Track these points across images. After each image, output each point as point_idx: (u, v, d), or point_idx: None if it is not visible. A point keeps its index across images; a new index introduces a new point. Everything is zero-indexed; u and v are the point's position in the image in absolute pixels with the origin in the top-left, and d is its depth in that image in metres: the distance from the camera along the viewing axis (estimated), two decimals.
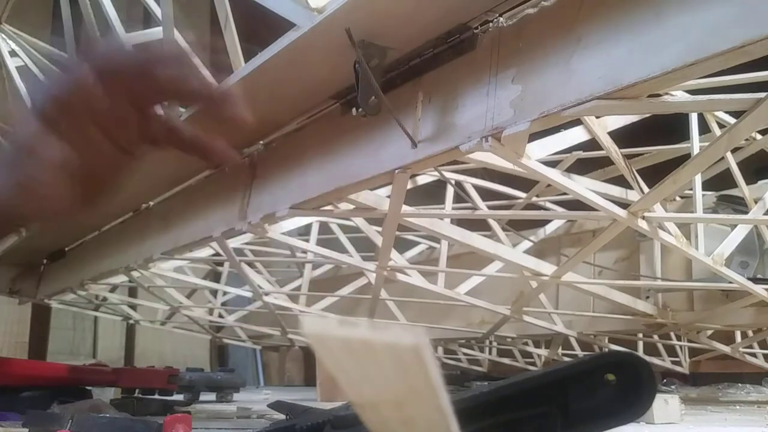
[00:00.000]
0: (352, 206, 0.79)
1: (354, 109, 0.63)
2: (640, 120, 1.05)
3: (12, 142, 0.40)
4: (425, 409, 0.24)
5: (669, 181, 0.70)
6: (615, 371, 0.38)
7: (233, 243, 1.34)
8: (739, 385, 1.78)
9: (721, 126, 1.08)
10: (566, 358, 1.61)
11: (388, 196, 0.78)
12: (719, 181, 1.21)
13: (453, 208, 1.23)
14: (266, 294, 1.37)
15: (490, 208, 1.42)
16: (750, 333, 1.44)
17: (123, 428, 0.67)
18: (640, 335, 1.50)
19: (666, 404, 0.86)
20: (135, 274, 1.27)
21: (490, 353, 1.98)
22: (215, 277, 2.08)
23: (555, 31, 0.51)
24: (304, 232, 1.54)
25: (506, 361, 1.93)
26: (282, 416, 0.71)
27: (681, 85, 0.72)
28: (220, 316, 1.87)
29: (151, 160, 0.46)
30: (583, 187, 0.71)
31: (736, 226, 1.01)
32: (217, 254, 1.43)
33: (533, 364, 1.87)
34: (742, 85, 0.91)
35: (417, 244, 1.83)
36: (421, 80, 0.63)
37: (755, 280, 1.04)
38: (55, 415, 0.69)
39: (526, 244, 1.34)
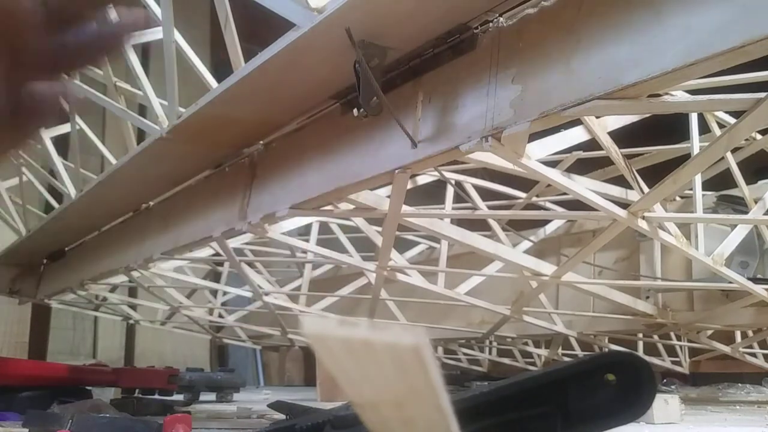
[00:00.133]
0: (352, 206, 0.79)
1: (355, 110, 0.63)
2: (640, 120, 1.05)
3: None
4: (425, 409, 0.24)
5: (669, 181, 0.70)
6: (615, 371, 0.38)
7: (233, 243, 1.34)
8: (739, 385, 1.78)
9: (721, 126, 1.08)
10: (566, 358, 1.61)
11: (388, 196, 0.78)
12: (719, 181, 1.21)
13: (453, 208, 1.23)
14: (266, 294, 1.37)
15: (490, 208, 1.42)
16: (750, 333, 1.44)
17: (123, 428, 0.67)
18: (640, 335, 1.50)
19: (666, 404, 0.86)
20: (135, 274, 1.27)
21: (490, 353, 1.98)
22: (215, 277, 2.08)
23: (555, 31, 0.51)
24: (304, 232, 1.54)
25: (506, 361, 1.93)
26: (282, 416, 0.71)
27: (681, 85, 0.72)
28: (220, 316, 1.87)
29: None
30: (583, 187, 0.71)
31: (736, 226, 1.01)
32: (217, 254, 1.43)
33: (533, 364, 1.87)
34: (742, 85, 0.91)
35: (417, 244, 1.83)
36: (421, 80, 0.63)
37: (755, 280, 1.04)
38: (55, 415, 0.69)
39: (526, 244, 1.34)
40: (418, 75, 0.63)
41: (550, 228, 1.48)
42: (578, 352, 1.81)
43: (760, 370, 1.66)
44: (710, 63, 0.41)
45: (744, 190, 1.06)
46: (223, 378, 1.40)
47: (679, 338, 1.65)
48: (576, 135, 0.98)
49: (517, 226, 1.45)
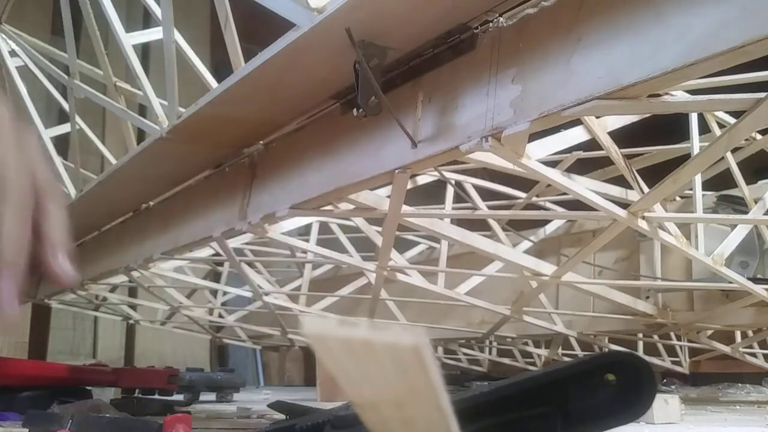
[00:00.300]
0: (352, 206, 0.79)
1: (354, 110, 0.63)
2: (640, 120, 1.05)
3: None
4: (425, 409, 0.24)
5: (669, 181, 0.70)
6: (615, 371, 0.38)
7: (233, 243, 1.35)
8: (739, 385, 1.78)
9: (721, 126, 1.08)
10: (566, 358, 1.61)
11: (388, 196, 0.78)
12: (719, 181, 1.21)
13: (453, 208, 1.23)
14: (266, 294, 1.37)
15: (490, 208, 1.42)
16: (750, 333, 1.44)
17: (123, 428, 0.67)
18: (640, 335, 1.50)
19: (666, 404, 0.86)
20: (135, 274, 1.27)
21: (490, 353, 1.98)
22: (215, 277, 2.08)
23: (555, 31, 0.51)
24: (304, 232, 1.54)
25: (506, 361, 1.93)
26: (282, 416, 0.71)
27: (681, 85, 0.72)
28: (220, 316, 1.87)
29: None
30: (583, 187, 0.71)
31: (736, 226, 1.01)
32: (217, 254, 1.44)
33: (533, 364, 1.87)
34: (742, 85, 0.91)
35: (417, 244, 1.83)
36: (421, 80, 0.63)
37: (755, 280, 1.04)
38: (55, 415, 0.69)
39: (526, 244, 1.34)
40: (418, 75, 0.63)
41: (550, 228, 1.48)
42: (578, 352, 1.81)
43: (760, 370, 1.66)
44: (710, 63, 0.41)
45: (744, 190, 1.06)
46: (223, 378, 1.40)
47: (679, 338, 1.65)
48: (576, 135, 0.98)
49: (517, 226, 1.45)
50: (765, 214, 1.01)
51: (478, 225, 1.33)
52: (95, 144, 1.21)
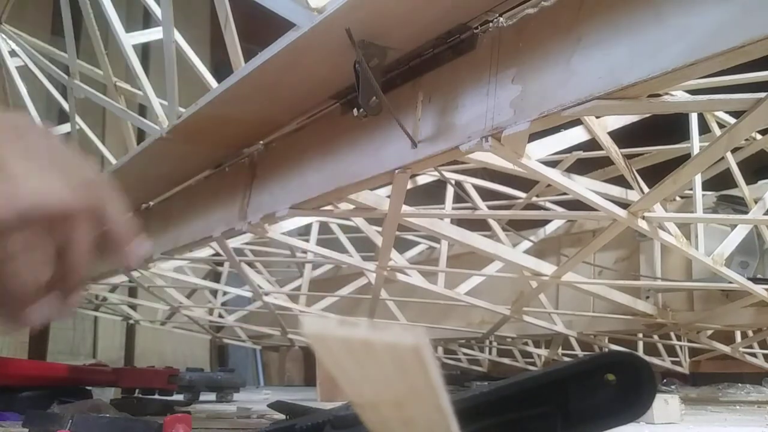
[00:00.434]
0: (352, 206, 0.79)
1: (355, 110, 0.63)
2: (640, 120, 1.05)
3: None
4: (425, 409, 0.24)
5: (669, 181, 0.70)
6: (615, 371, 0.38)
7: (233, 243, 1.35)
8: (739, 385, 1.77)
9: (721, 126, 1.08)
10: (566, 358, 1.61)
11: (388, 196, 0.78)
12: (719, 181, 1.21)
13: (453, 208, 1.23)
14: (266, 294, 1.37)
15: (490, 208, 1.42)
16: (750, 333, 1.44)
17: (123, 428, 0.67)
18: (640, 335, 1.50)
19: (666, 404, 0.86)
20: (135, 274, 1.27)
21: (490, 353, 1.98)
22: (215, 277, 2.08)
23: (555, 31, 0.51)
24: (304, 232, 1.54)
25: (506, 361, 1.93)
26: (282, 416, 0.71)
27: (681, 85, 0.72)
28: (220, 316, 1.87)
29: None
30: (583, 187, 0.71)
31: (736, 226, 1.01)
32: (217, 254, 1.44)
33: (533, 364, 1.87)
34: (742, 85, 0.91)
35: (417, 244, 1.83)
36: (421, 80, 0.63)
37: (755, 280, 1.04)
38: (55, 415, 0.69)
39: (526, 244, 1.34)
40: (418, 75, 0.63)
41: (550, 228, 1.48)
42: (578, 352, 1.81)
43: (760, 370, 1.66)
44: (710, 63, 0.41)
45: (744, 190, 1.06)
46: (223, 378, 1.40)
47: (679, 338, 1.65)
48: (576, 135, 0.98)
49: (517, 226, 1.45)
50: (765, 214, 1.01)
51: (478, 225, 1.33)
52: (95, 144, 1.21)
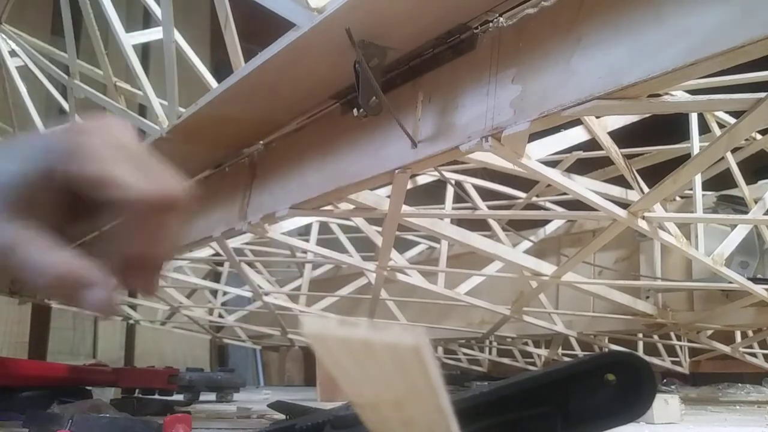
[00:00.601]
0: (352, 206, 0.79)
1: (354, 110, 0.63)
2: (640, 120, 1.05)
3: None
4: (425, 409, 0.24)
5: (669, 181, 0.70)
6: (615, 371, 0.38)
7: (233, 243, 1.35)
8: (739, 385, 1.77)
9: (721, 126, 1.08)
10: (566, 358, 1.61)
11: (388, 196, 0.78)
12: (719, 181, 1.21)
13: (453, 208, 1.23)
14: (266, 294, 1.37)
15: (490, 208, 1.42)
16: (750, 333, 1.44)
17: (123, 428, 0.67)
18: (640, 335, 1.50)
19: (666, 404, 0.86)
20: None
21: (490, 353, 1.98)
22: (215, 277, 2.08)
23: (555, 31, 0.51)
24: (304, 232, 1.54)
25: (506, 361, 1.93)
26: (282, 416, 0.71)
27: (681, 85, 0.72)
28: (220, 316, 1.87)
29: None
30: (583, 187, 0.71)
31: (736, 226, 1.01)
32: (217, 254, 1.44)
33: (533, 364, 1.87)
34: (742, 85, 0.91)
35: (417, 244, 1.83)
36: (421, 80, 0.63)
37: (755, 280, 1.04)
38: (55, 415, 0.69)
39: (526, 244, 1.34)
40: (418, 75, 0.63)
41: (550, 228, 1.48)
42: (578, 352, 1.81)
43: (760, 370, 1.66)
44: (710, 63, 0.41)
45: (744, 190, 1.06)
46: (223, 378, 1.40)
47: (679, 338, 1.65)
48: (576, 135, 0.98)
49: (517, 226, 1.45)
50: (765, 214, 1.01)
51: (478, 225, 1.33)
52: None
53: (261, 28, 0.81)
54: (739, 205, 1.13)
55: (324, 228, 1.60)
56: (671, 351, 1.79)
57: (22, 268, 0.33)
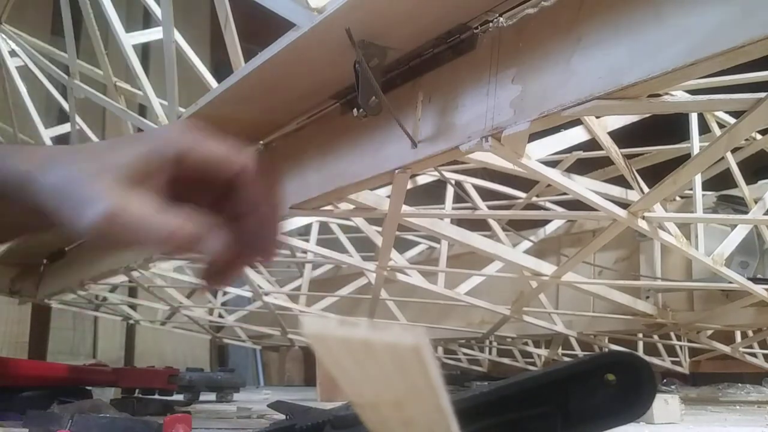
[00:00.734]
0: (352, 206, 0.79)
1: (354, 110, 0.63)
2: (640, 120, 1.05)
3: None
4: (425, 409, 0.24)
5: (669, 181, 0.70)
6: (615, 371, 0.38)
7: None
8: (739, 385, 1.78)
9: (721, 126, 1.08)
10: (566, 358, 1.61)
11: (388, 196, 0.78)
12: (719, 181, 1.21)
13: (453, 208, 1.23)
14: (266, 294, 1.37)
15: (490, 208, 1.42)
16: (750, 333, 1.44)
17: (123, 428, 0.67)
18: (640, 335, 1.50)
19: (666, 404, 0.86)
20: (135, 274, 1.27)
21: (490, 353, 1.98)
22: None
23: (555, 31, 0.51)
24: (304, 232, 1.54)
25: (506, 361, 1.93)
26: (282, 416, 0.71)
27: (681, 85, 0.72)
28: (220, 316, 1.87)
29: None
30: (583, 187, 0.71)
31: (736, 226, 1.01)
32: None
33: (533, 364, 1.87)
34: (742, 85, 0.91)
35: (417, 244, 1.83)
36: (421, 80, 0.63)
37: (755, 280, 1.04)
38: (55, 415, 0.69)
39: (526, 244, 1.34)
40: (418, 75, 0.63)
41: (550, 228, 1.48)
42: (578, 352, 1.81)
43: (760, 370, 1.66)
44: (710, 63, 0.41)
45: (744, 190, 1.06)
46: (223, 378, 1.40)
47: (679, 338, 1.65)
48: (576, 135, 0.98)
49: (517, 226, 1.45)
50: (765, 214, 1.01)
51: (478, 225, 1.33)
52: None
53: (261, 28, 0.81)
54: (739, 205, 1.13)
55: (324, 228, 1.60)
56: (671, 351, 1.79)
57: (138, 227, 0.37)
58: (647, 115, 0.92)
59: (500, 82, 0.54)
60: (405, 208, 0.77)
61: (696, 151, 1.03)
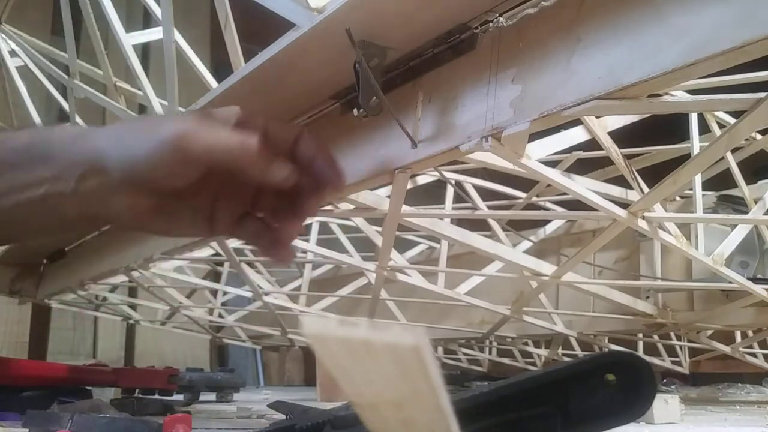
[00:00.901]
0: (352, 206, 0.79)
1: (355, 110, 0.63)
2: (640, 120, 1.05)
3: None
4: (425, 409, 0.24)
5: (669, 181, 0.70)
6: (615, 371, 0.38)
7: (233, 243, 1.34)
8: (739, 385, 1.78)
9: (721, 126, 1.08)
10: (566, 358, 1.61)
11: (388, 196, 0.78)
12: (719, 181, 1.21)
13: (453, 208, 1.23)
14: (266, 294, 1.37)
15: (490, 208, 1.42)
16: (750, 333, 1.44)
17: (123, 428, 0.67)
18: (640, 335, 1.50)
19: (666, 404, 0.86)
20: (135, 274, 1.26)
21: (490, 353, 1.98)
22: (215, 277, 2.08)
23: (555, 31, 0.51)
24: (303, 232, 1.54)
25: (506, 361, 1.93)
26: (282, 416, 0.71)
27: (681, 85, 0.72)
28: (220, 316, 1.87)
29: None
30: (583, 187, 0.71)
31: (736, 226, 1.01)
32: (217, 254, 1.44)
33: (533, 364, 1.87)
34: (742, 85, 0.91)
35: (417, 244, 1.83)
36: (421, 80, 0.63)
37: (755, 280, 1.04)
38: (55, 415, 0.69)
39: (526, 244, 1.34)
40: (418, 75, 0.63)
41: (550, 228, 1.48)
42: (578, 352, 1.81)
43: (760, 370, 1.66)
44: (710, 63, 0.41)
45: (744, 190, 1.06)
46: (223, 378, 1.40)
47: (679, 338, 1.65)
48: (576, 135, 0.98)
49: (517, 226, 1.45)
50: (765, 214, 1.01)
51: (478, 225, 1.33)
52: None
53: (261, 28, 0.81)
54: (739, 205, 1.13)
55: (324, 228, 1.60)
56: (671, 351, 1.79)
57: (211, 141, 0.41)
58: (647, 115, 0.92)
59: (500, 82, 0.54)
60: (405, 208, 0.77)
61: (696, 151, 1.03)
